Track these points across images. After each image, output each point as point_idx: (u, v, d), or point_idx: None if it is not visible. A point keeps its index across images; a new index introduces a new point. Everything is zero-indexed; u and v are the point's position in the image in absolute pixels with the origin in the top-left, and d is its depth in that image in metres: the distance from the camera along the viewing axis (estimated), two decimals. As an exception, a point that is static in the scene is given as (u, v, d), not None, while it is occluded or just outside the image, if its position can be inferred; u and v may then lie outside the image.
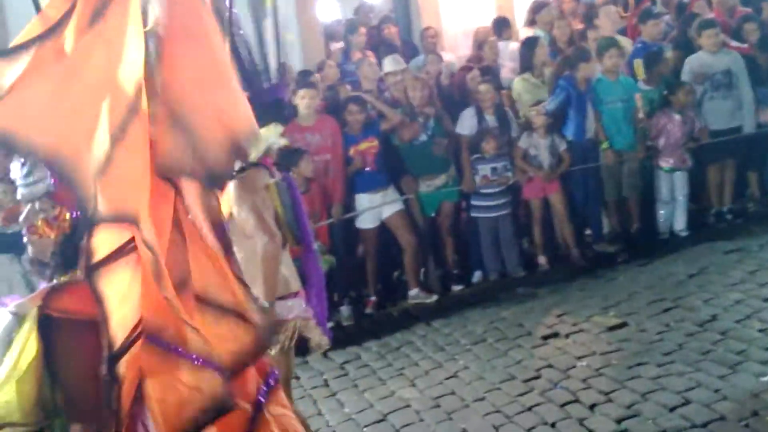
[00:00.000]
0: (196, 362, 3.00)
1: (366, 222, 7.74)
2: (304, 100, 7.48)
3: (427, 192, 7.91)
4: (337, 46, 10.02)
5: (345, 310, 7.59)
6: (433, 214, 8.05)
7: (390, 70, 8.39)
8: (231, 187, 4.13)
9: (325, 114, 7.79)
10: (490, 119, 8.03)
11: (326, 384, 6.27)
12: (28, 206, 3.21)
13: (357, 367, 6.49)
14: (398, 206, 7.78)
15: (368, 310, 7.74)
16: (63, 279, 3.22)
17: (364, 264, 7.87)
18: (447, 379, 5.96)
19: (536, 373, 5.79)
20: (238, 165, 4.07)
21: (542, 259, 8.17)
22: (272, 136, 4.22)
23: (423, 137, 7.83)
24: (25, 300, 3.13)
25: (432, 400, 5.65)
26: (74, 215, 3.19)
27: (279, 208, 4.18)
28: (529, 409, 5.26)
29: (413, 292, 7.78)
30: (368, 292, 7.84)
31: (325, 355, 6.75)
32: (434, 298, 7.77)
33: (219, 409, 3.05)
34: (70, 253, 3.20)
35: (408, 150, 7.85)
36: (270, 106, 4.21)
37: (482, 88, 8.10)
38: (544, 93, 8.40)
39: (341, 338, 7.13)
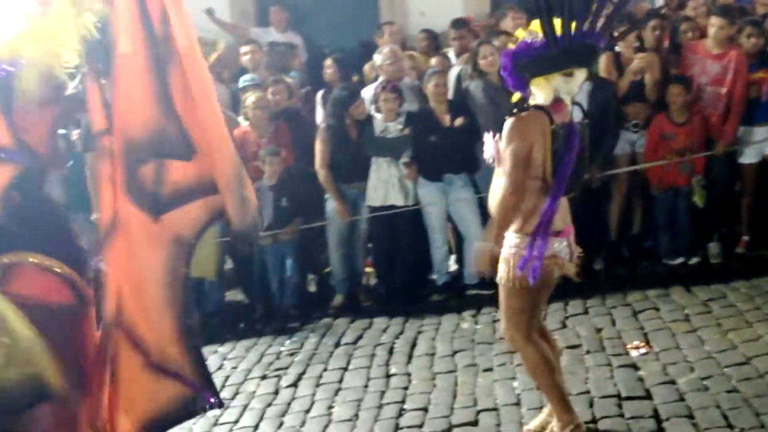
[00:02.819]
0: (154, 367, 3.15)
1: (748, 156, 7.30)
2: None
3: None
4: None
5: (714, 246, 7.29)
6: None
7: None
8: (506, 124, 4.24)
9: (734, 44, 7.25)
10: None
11: (687, 319, 6.10)
12: None
13: (722, 306, 6.23)
14: (786, 142, 7.25)
15: (739, 250, 7.35)
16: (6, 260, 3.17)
17: (740, 200, 7.48)
18: (824, 329, 5.58)
19: None
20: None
21: None
22: (563, 83, 4.16)
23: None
24: None
25: (804, 350, 5.33)
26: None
27: (548, 155, 4.18)
28: None
29: (792, 235, 7.29)
30: (741, 230, 7.45)
31: (688, 290, 6.61)
32: (814, 243, 7.23)
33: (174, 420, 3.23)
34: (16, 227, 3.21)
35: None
36: (575, 50, 4.13)
37: None
38: None
39: (707, 275, 6.92)
